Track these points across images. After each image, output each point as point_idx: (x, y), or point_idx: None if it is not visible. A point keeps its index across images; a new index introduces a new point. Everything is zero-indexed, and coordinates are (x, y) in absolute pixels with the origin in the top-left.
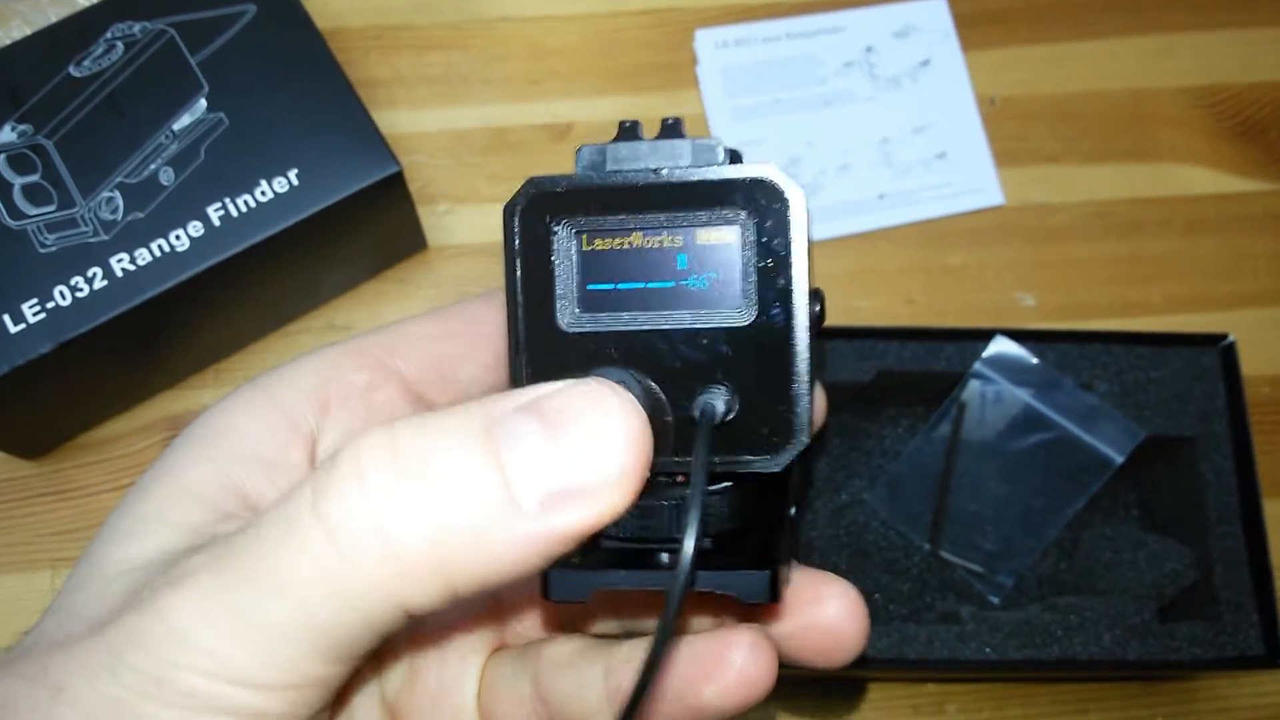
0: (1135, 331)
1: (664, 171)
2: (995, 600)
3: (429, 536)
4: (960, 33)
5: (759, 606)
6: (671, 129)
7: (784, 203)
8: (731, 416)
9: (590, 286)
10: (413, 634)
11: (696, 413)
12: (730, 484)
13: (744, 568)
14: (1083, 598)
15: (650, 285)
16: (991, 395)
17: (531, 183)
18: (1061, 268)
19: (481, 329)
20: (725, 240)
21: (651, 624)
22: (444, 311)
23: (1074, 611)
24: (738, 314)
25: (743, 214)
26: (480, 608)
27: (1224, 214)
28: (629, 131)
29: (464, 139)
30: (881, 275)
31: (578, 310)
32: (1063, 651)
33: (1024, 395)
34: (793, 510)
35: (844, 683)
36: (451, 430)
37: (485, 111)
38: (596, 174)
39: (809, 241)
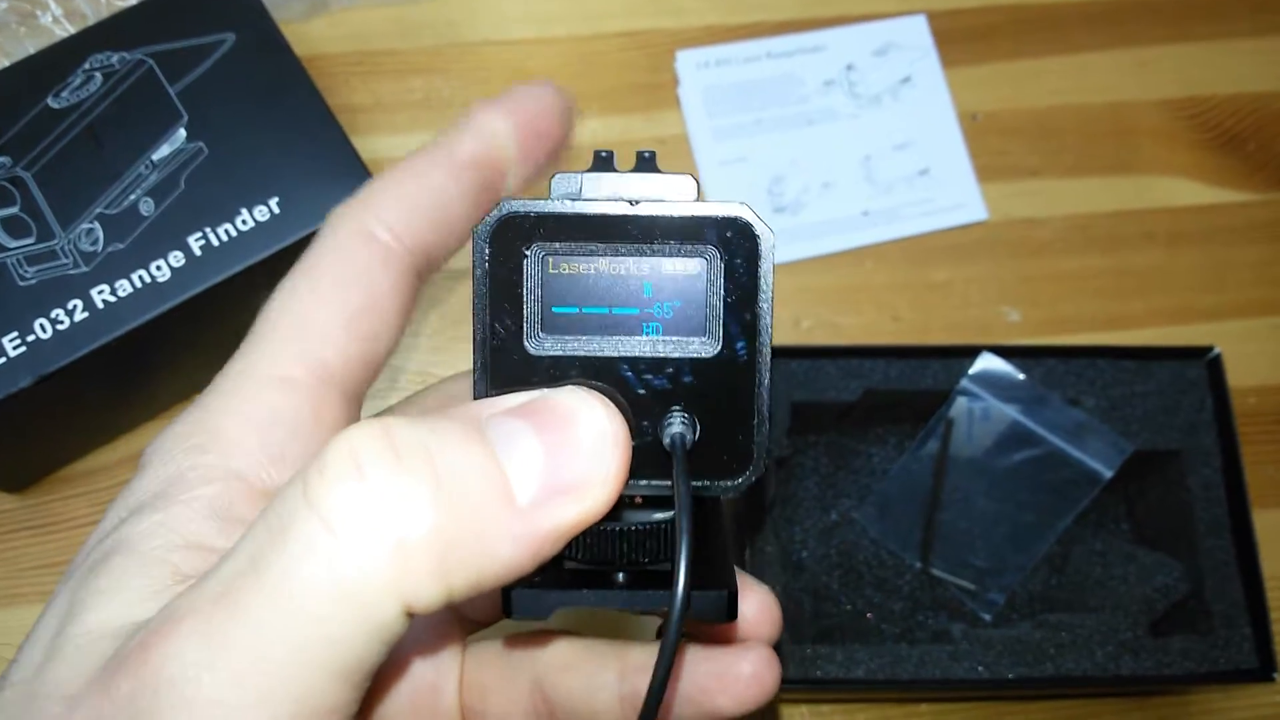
0: (1121, 346)
1: (641, 204)
2: (987, 617)
3: (433, 529)
4: (940, 49)
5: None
6: (647, 162)
7: (754, 241)
8: (692, 442)
9: (555, 309)
10: None
11: (666, 440)
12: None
13: (701, 589)
14: (1074, 614)
15: (615, 311)
16: (979, 412)
17: (503, 206)
18: (1046, 282)
19: (380, 298)
20: (691, 271)
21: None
22: (333, 281)
23: (1066, 628)
24: (702, 345)
25: (712, 249)
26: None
27: (1207, 226)
28: (604, 162)
29: None
30: (866, 292)
31: (542, 332)
32: (1056, 669)
33: (1011, 411)
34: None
35: (838, 704)
36: (445, 428)
37: None
38: (570, 201)
39: (773, 280)
